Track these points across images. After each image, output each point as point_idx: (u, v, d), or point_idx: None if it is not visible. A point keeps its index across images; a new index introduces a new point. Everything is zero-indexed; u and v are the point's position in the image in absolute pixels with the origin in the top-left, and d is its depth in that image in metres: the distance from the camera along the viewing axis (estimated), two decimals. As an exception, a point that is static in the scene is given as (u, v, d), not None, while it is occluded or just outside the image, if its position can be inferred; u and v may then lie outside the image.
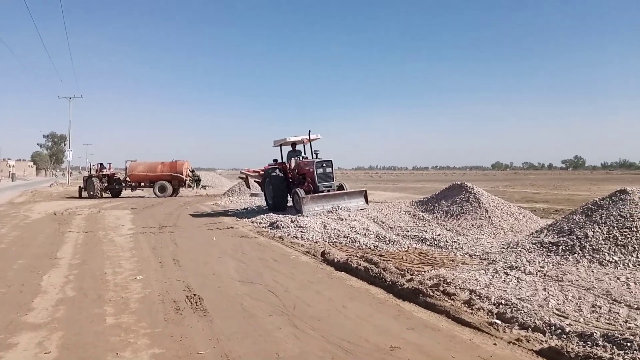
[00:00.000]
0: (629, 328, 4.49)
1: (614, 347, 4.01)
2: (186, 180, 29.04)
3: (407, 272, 6.93)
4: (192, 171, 30.44)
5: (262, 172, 18.24)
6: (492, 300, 5.42)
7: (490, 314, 5.10)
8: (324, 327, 4.86)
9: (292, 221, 12.41)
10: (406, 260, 7.97)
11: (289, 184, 16.62)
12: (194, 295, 6.09)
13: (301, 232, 11.26)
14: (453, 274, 6.68)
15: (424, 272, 6.96)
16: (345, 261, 7.71)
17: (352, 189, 16.58)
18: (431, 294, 5.68)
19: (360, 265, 7.31)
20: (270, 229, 12.38)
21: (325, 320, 5.11)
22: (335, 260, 7.98)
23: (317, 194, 14.81)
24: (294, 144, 17.42)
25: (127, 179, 29.16)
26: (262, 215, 15.06)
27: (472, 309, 5.25)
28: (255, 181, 19.47)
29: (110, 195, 29.16)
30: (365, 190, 15.74)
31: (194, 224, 14.28)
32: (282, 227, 12.07)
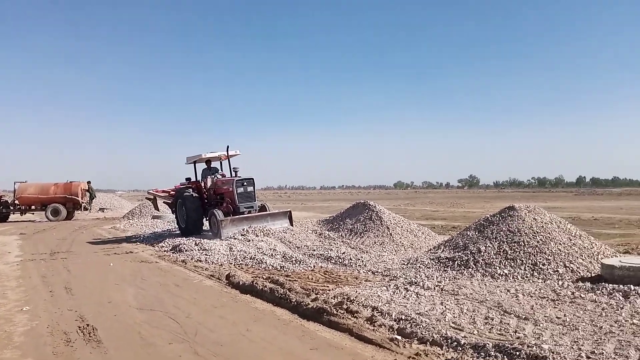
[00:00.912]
0: (518, 337, 4.76)
1: (505, 356, 4.23)
2: (82, 202, 27.44)
3: (313, 291, 6.95)
4: (89, 182, 28.91)
5: (172, 193, 16.66)
6: (393, 316, 5.55)
7: (391, 329, 5.22)
8: (226, 353, 4.74)
9: (196, 244, 12.08)
10: (312, 279, 8.00)
11: (204, 205, 15.31)
12: (87, 325, 5.72)
13: (205, 255, 10.97)
14: (356, 292, 6.79)
15: (329, 290, 7.02)
16: (251, 283, 7.59)
17: (275, 209, 15.74)
18: (335, 312, 5.72)
19: (265, 286, 7.24)
20: (173, 252, 11.96)
21: (228, 345, 4.98)
22: (241, 282, 7.84)
23: (237, 216, 13.68)
24: (209, 161, 16.06)
25: (16, 201, 27.02)
26: (164, 239, 14.54)
27: (374, 326, 5.34)
28: (164, 202, 17.88)
29: (-5, 220, 26.90)
30: (290, 211, 14.67)
31: (90, 249, 13.48)
32: (185, 251, 11.70)
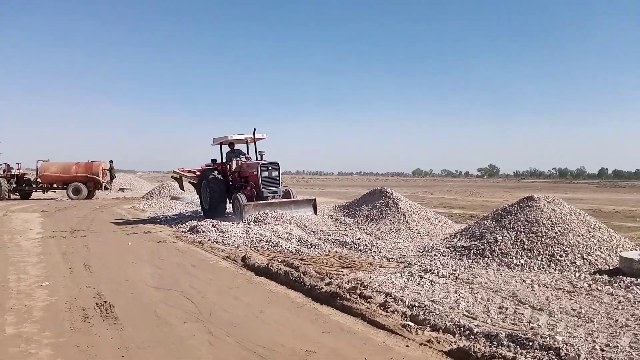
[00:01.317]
0: (531, 328, 4.74)
1: (518, 346, 4.22)
2: (103, 182, 27.81)
3: (327, 275, 6.99)
4: (111, 162, 29.29)
5: (198, 173, 16.41)
6: (407, 303, 5.56)
7: (404, 316, 5.23)
8: (240, 333, 4.79)
9: (213, 225, 12.19)
10: (326, 264, 8.04)
11: (228, 187, 15.04)
12: (105, 302, 5.83)
13: (222, 236, 11.08)
14: (370, 277, 6.80)
15: (343, 275, 7.04)
16: (266, 266, 7.65)
17: (300, 196, 15.32)
18: (348, 297, 5.75)
19: (280, 269, 7.29)
20: (190, 233, 12.10)
21: (242, 326, 5.04)
22: (256, 265, 7.90)
23: (260, 202, 13.39)
24: (232, 144, 15.70)
25: (38, 180, 27.53)
26: (182, 220, 14.69)
27: (387, 312, 5.36)
28: (190, 182, 17.42)
29: (19, 197, 27.45)
30: (315, 200, 14.30)
31: (109, 228, 13.70)
32: (203, 232, 11.82)
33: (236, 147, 15.97)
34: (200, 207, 16.44)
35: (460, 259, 8.02)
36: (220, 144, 15.79)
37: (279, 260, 8.27)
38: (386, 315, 5.26)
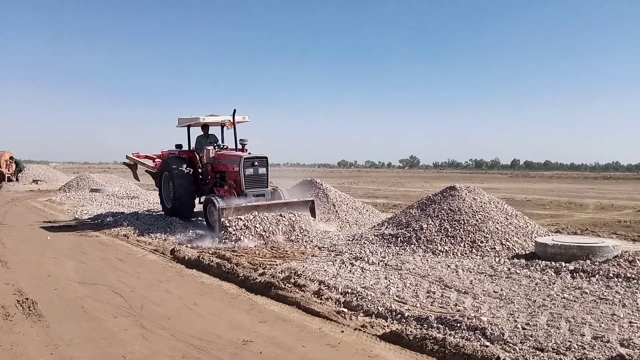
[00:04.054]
0: (458, 310, 4.99)
1: (447, 328, 4.44)
2: (7, 174, 25.97)
3: (260, 266, 7.00)
4: (11, 158, 27.46)
5: (158, 161, 13.78)
6: (340, 290, 5.69)
7: (338, 303, 5.35)
8: (174, 326, 4.72)
9: (137, 218, 11.82)
10: (259, 255, 8.03)
11: (198, 182, 12.26)
12: (27, 299, 5.54)
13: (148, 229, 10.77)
14: (303, 266, 6.88)
15: (276, 265, 7.08)
16: (197, 258, 7.55)
17: (292, 197, 11.65)
18: (282, 286, 5.81)
19: (212, 261, 7.22)
20: (114, 226, 11.65)
21: (175, 319, 4.96)
22: (186, 257, 7.77)
23: (243, 205, 10.19)
24: (206, 127, 12.56)
25: None
26: (102, 212, 14.12)
27: (321, 299, 5.46)
28: (147, 171, 14.81)
29: None
30: (312, 201, 11.05)
31: (25, 221, 12.93)
32: (127, 225, 11.43)
33: (210, 131, 12.85)
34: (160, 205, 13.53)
35: (389, 246, 8.27)
36: (188, 126, 12.67)
37: (210, 252, 8.17)
38: (321, 303, 5.36)
